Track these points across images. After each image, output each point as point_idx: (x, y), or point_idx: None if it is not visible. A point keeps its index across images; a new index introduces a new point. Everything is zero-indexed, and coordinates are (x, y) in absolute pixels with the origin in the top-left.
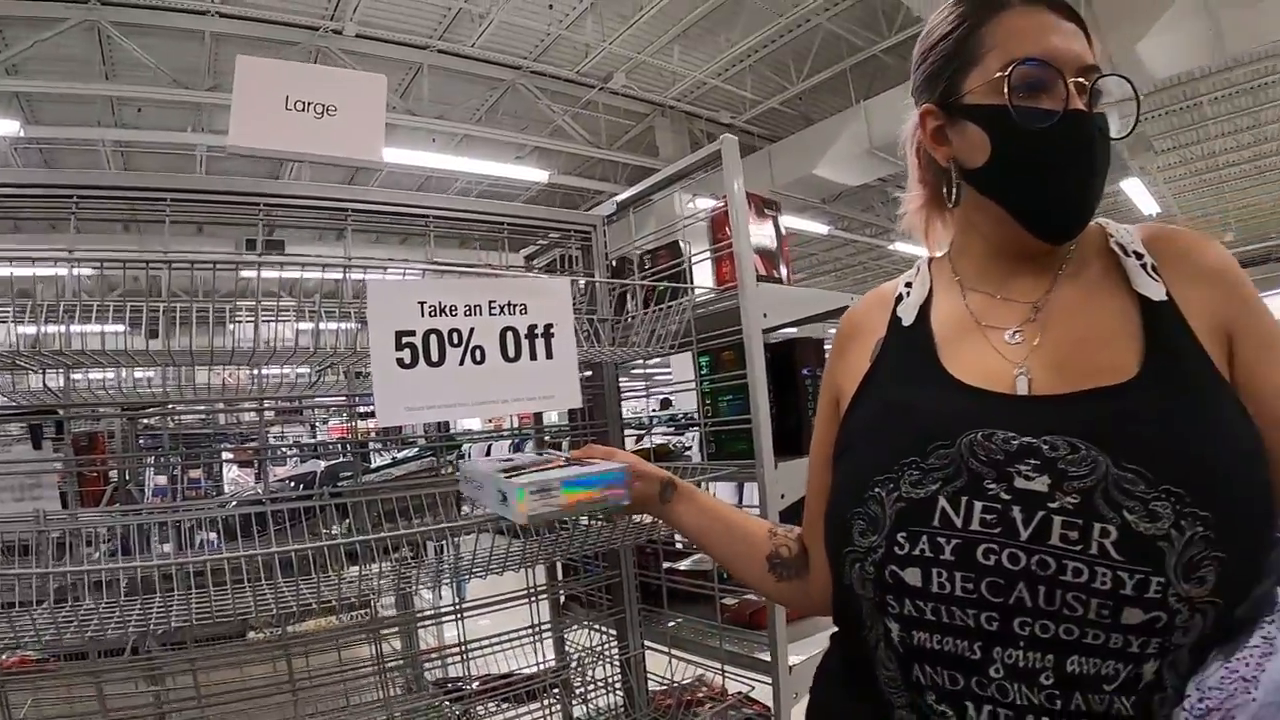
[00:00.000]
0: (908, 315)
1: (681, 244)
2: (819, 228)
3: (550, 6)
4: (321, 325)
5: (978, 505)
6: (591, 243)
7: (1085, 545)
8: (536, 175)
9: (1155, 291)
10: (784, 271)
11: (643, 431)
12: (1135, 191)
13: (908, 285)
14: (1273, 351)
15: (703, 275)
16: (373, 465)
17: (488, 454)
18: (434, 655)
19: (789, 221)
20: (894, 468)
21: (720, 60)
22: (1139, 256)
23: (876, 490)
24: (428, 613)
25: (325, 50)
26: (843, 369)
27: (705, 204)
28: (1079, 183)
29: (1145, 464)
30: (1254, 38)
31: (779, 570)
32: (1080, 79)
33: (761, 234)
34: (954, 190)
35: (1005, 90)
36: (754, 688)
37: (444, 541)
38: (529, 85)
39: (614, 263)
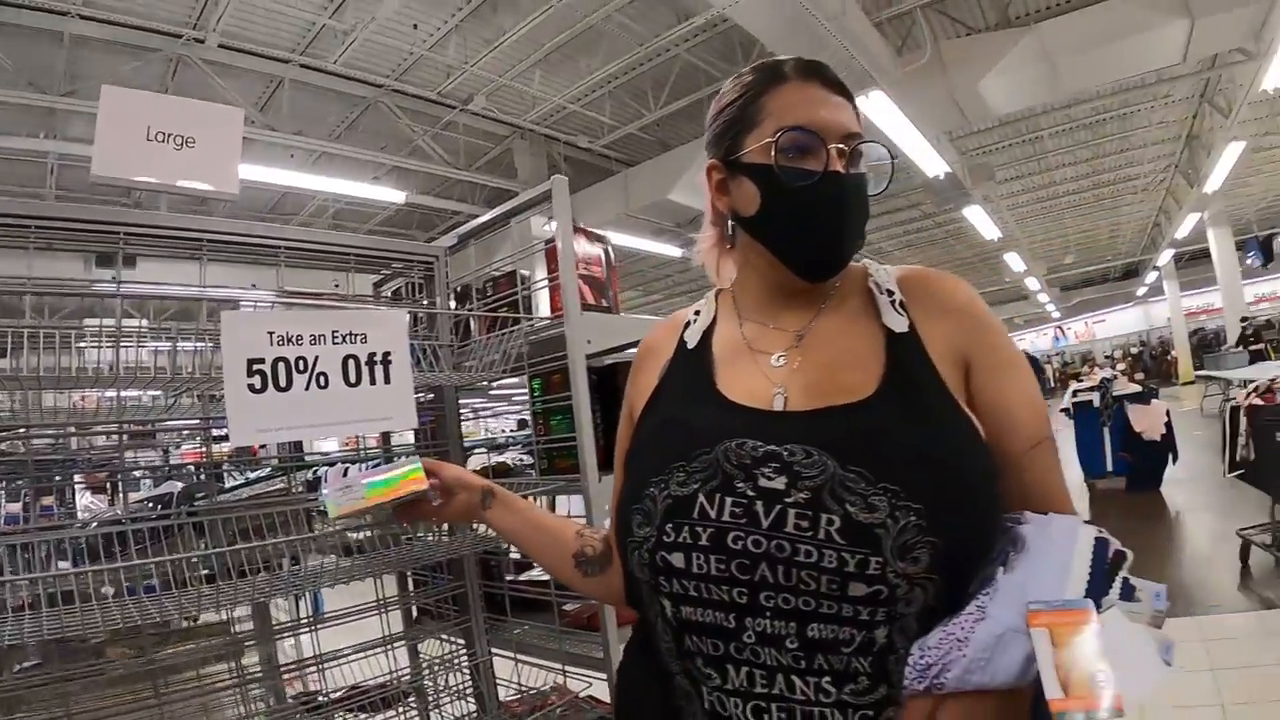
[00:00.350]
0: (693, 339)
1: (520, 274)
2: (673, 250)
3: (415, 27)
4: (180, 345)
5: (728, 500)
6: (434, 272)
7: (815, 532)
8: (393, 196)
9: (899, 324)
10: (612, 299)
11: (497, 449)
12: (977, 218)
13: (696, 312)
14: (1003, 373)
15: (548, 301)
16: (227, 486)
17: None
18: (291, 668)
19: (644, 244)
20: (666, 470)
21: (580, 85)
22: (891, 294)
23: (652, 490)
24: (282, 626)
25: (186, 58)
26: (637, 387)
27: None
28: (834, 232)
29: (866, 466)
30: (1087, 80)
31: (584, 567)
32: (842, 145)
33: (591, 265)
34: (733, 234)
35: (774, 152)
36: (591, 684)
37: (298, 556)
38: (390, 104)
39: (459, 289)
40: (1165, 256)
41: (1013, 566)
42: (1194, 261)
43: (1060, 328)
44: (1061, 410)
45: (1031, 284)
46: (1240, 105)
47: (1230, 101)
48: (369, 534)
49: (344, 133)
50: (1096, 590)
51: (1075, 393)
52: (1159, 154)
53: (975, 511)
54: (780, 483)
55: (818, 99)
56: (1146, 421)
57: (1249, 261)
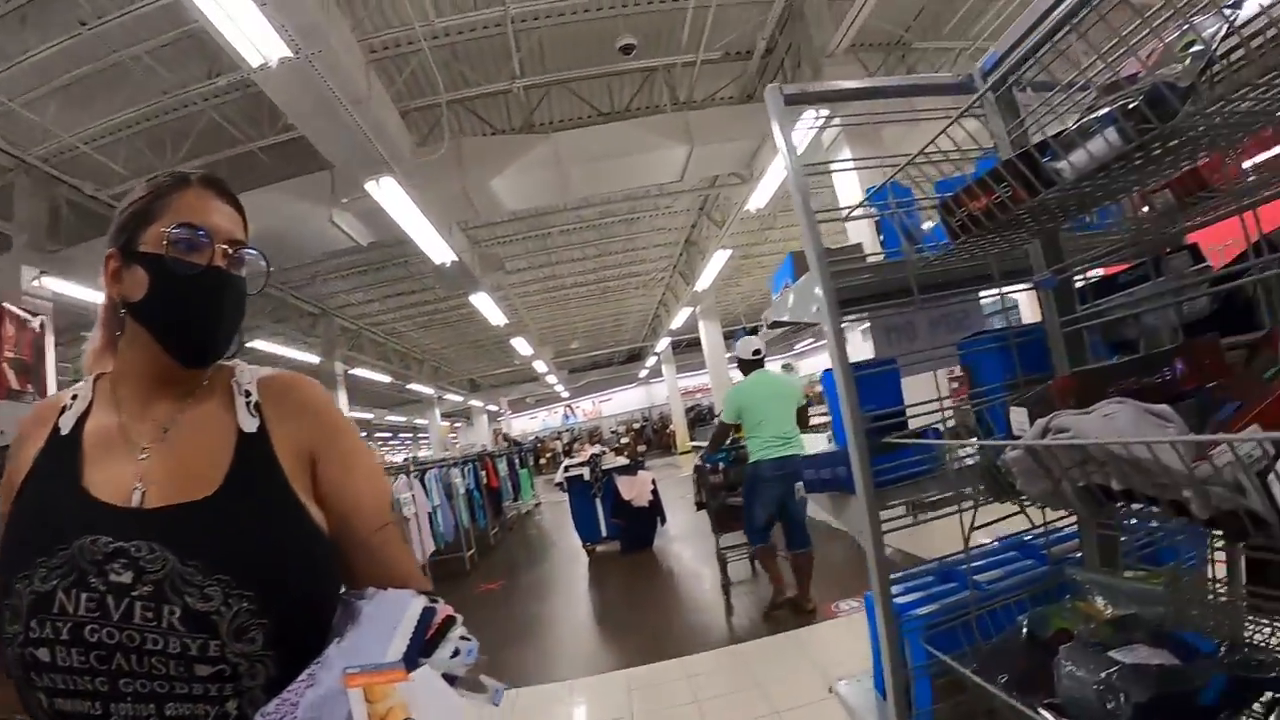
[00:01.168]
0: (66, 425)
1: None
2: None
3: None
4: None
5: (83, 595)
6: None
7: (159, 621)
8: None
9: (250, 425)
10: (41, 381)
11: None
12: (484, 305)
13: (74, 396)
14: (348, 468)
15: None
16: None
17: None
18: None
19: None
20: (31, 567)
21: (98, 126)
22: (249, 395)
23: (19, 586)
24: None
25: None
26: (9, 477)
27: (54, 284)
28: (211, 320)
29: (202, 559)
30: (596, 187)
31: None
32: (226, 246)
33: (21, 349)
34: (121, 324)
35: (166, 243)
36: None
37: None
38: None
39: None
40: (664, 343)
41: (345, 637)
42: (690, 348)
43: (570, 406)
44: (556, 484)
45: (540, 366)
46: (732, 219)
47: (724, 215)
48: None
49: None
50: (415, 652)
51: (567, 468)
52: (661, 255)
53: (303, 594)
54: (127, 577)
55: (213, 206)
56: (634, 490)
57: None
